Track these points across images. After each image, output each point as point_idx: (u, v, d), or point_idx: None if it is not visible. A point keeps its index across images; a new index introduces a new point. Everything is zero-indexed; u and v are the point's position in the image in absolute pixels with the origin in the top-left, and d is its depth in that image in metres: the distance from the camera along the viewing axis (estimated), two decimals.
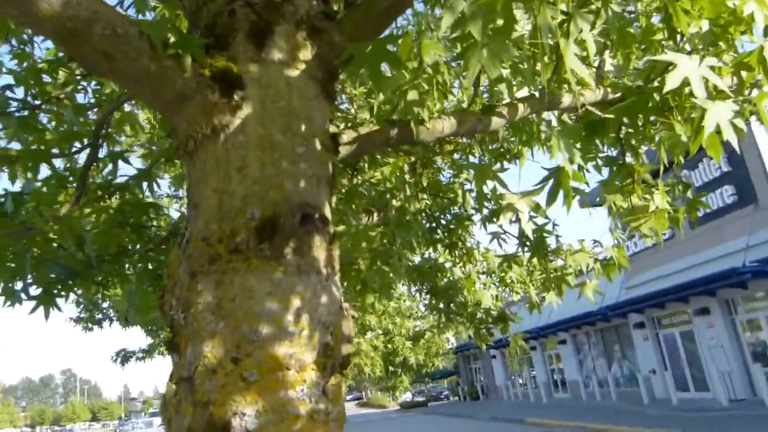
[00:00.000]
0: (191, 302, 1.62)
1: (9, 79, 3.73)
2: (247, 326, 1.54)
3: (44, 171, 3.47)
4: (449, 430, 23.48)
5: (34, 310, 3.88)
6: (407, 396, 51.36)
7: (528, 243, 4.89)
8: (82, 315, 11.00)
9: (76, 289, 4.02)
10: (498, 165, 4.56)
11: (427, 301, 5.82)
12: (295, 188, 1.69)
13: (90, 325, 11.03)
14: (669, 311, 20.74)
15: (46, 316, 3.80)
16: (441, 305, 5.31)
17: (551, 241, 4.89)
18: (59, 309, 3.86)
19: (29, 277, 3.77)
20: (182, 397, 1.54)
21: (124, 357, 12.68)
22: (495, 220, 5.04)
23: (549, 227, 4.89)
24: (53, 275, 3.89)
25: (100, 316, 10.99)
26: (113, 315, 10.88)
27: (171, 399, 1.58)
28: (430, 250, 5.88)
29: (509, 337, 5.66)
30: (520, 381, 34.57)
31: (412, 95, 2.01)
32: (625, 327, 23.49)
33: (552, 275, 5.07)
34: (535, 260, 6.11)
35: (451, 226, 5.81)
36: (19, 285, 3.78)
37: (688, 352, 20.14)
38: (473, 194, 4.89)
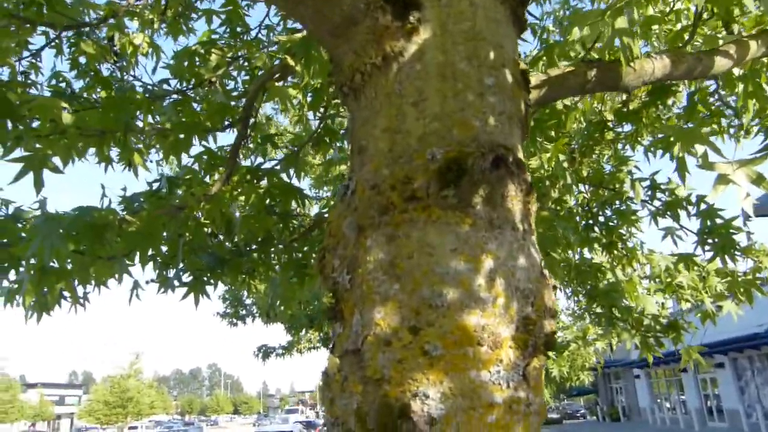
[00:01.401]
0: (358, 261, 1.34)
1: (166, 73, 3.80)
2: (427, 289, 1.23)
3: (195, 150, 3.46)
4: None
5: (185, 296, 3.94)
6: None
7: (710, 240, 4.19)
8: (228, 310, 11.52)
9: (224, 277, 4.01)
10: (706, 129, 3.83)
11: (583, 304, 5.24)
12: (484, 126, 1.36)
13: (234, 321, 11.52)
14: None
15: (196, 303, 3.82)
16: (601, 309, 4.72)
17: (740, 238, 4.15)
18: (208, 297, 3.89)
19: (181, 264, 3.82)
20: (348, 373, 1.26)
21: (265, 353, 13.10)
22: (670, 212, 4.39)
23: (739, 221, 4.17)
24: (204, 263, 3.91)
25: (243, 312, 11.45)
26: (256, 311, 11.28)
27: (335, 375, 1.31)
28: (585, 250, 5.30)
29: (679, 350, 4.91)
30: (668, 405, 31.62)
31: (621, 22, 1.59)
32: None
33: (740, 279, 4.31)
34: (711, 263, 5.32)
35: (611, 223, 5.19)
36: (172, 273, 3.84)
37: None
38: (644, 183, 4.29)
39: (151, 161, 4.47)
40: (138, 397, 45.86)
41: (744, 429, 23.60)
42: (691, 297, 5.44)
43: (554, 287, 1.33)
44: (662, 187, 4.34)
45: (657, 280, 5.55)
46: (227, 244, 4.13)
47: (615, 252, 5.41)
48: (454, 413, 1.13)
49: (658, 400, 32.89)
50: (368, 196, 1.37)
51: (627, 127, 4.76)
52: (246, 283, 4.41)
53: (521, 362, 1.21)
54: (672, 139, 2.13)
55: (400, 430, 1.14)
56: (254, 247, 4.23)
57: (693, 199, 4.18)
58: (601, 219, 5.18)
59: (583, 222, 5.16)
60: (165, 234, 4.09)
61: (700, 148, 2.17)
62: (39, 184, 2.73)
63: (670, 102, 4.28)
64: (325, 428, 1.32)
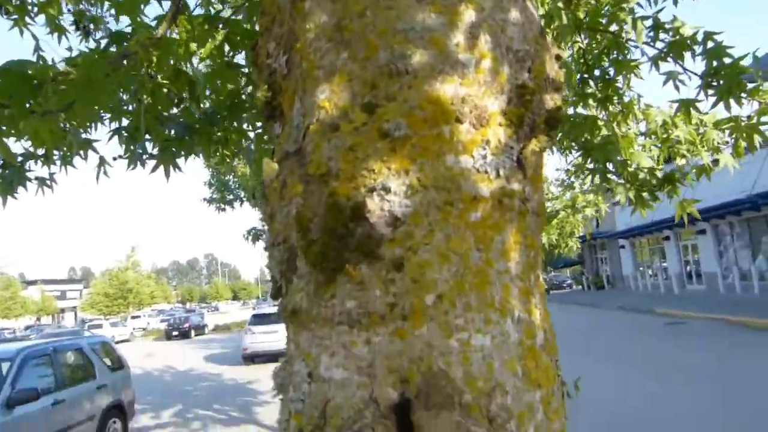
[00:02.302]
0: (296, 34, 0.98)
1: None
2: (386, 52, 0.88)
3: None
4: (575, 317, 22.83)
5: (154, 169, 3.63)
6: None
7: (715, 83, 3.82)
8: (214, 196, 11.25)
9: (195, 147, 3.66)
10: None
11: (577, 161, 4.95)
12: None
13: (222, 206, 11.28)
14: None
15: (167, 175, 3.52)
16: (595, 164, 4.43)
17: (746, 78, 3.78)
18: (180, 169, 3.59)
19: (147, 136, 3.48)
20: (287, 176, 0.94)
21: (255, 235, 12.99)
22: (673, 54, 3.97)
23: (748, 60, 3.78)
24: (171, 132, 3.57)
25: (231, 197, 11.19)
26: (243, 195, 11.02)
27: (271, 183, 0.99)
28: (580, 106, 4.92)
29: (674, 206, 4.69)
30: (650, 272, 32.74)
31: None
32: None
33: (743, 124, 3.99)
34: (707, 116, 4.99)
35: (607, 76, 4.77)
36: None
37: None
38: (647, 23, 3.84)
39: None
40: (138, 288, 46.95)
41: (720, 290, 24.53)
42: (688, 152, 5.16)
43: (557, 57, 0.98)
44: (666, 26, 3.90)
45: (653, 136, 5.23)
46: (197, 115, 3.74)
47: (610, 107, 5.04)
48: (424, 211, 0.83)
49: (641, 268, 33.98)
50: None
51: None
52: (221, 154, 4.06)
53: (515, 144, 0.89)
54: None
55: (354, 236, 0.84)
56: (224, 114, 3.84)
57: (699, 37, 3.77)
58: (597, 72, 4.77)
59: (578, 75, 4.74)
60: (122, 96, 3.72)
61: None
62: None
63: None
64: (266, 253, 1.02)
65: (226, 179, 10.90)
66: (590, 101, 4.81)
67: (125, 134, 3.58)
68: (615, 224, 33.13)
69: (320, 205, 0.87)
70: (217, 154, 4.13)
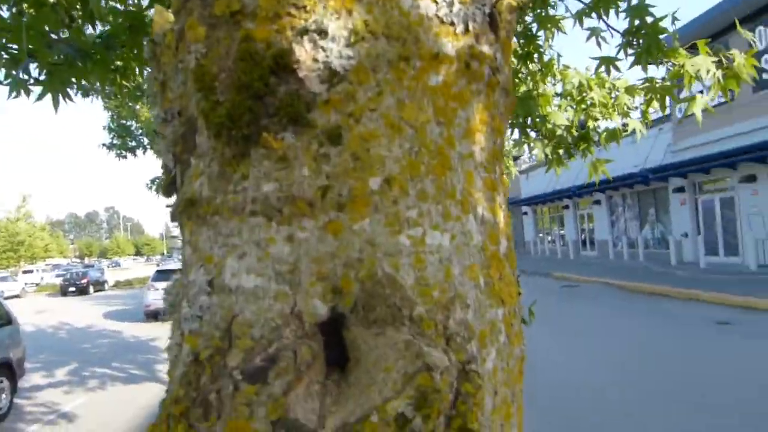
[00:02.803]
0: None
1: None
2: None
3: None
4: None
5: (41, 97, 3.18)
6: None
7: (635, 41, 3.83)
8: (115, 141, 10.34)
9: (89, 75, 3.24)
10: None
11: None
12: None
13: (123, 153, 10.41)
14: (713, 177, 19.54)
15: (55, 106, 3.10)
16: (515, 119, 4.37)
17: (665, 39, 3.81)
18: (71, 99, 3.18)
19: (32, 57, 3.04)
20: (185, 22, 0.69)
21: (159, 185, 12.16)
22: (597, 11, 3.93)
23: (668, 22, 3.80)
24: (60, 56, 3.14)
25: (133, 143, 10.35)
26: (147, 143, 10.24)
27: (164, 38, 0.74)
28: None
29: (587, 164, 4.75)
30: (549, 238, 34.45)
31: None
32: (664, 191, 22.48)
33: (657, 85, 4.05)
34: (620, 81, 5.08)
35: (529, 32, 4.72)
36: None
37: (725, 218, 19.21)
38: None
39: None
40: (30, 241, 43.50)
41: (610, 256, 26.23)
42: (600, 115, 5.24)
43: None
44: None
45: (569, 97, 5.26)
46: (96, 39, 3.29)
47: (530, 65, 5.01)
48: (371, 65, 0.61)
49: (541, 235, 35.69)
50: None
51: None
52: (119, 85, 3.62)
53: None
54: None
55: (275, 96, 0.61)
56: (124, 38, 3.40)
57: None
58: (519, 28, 4.69)
59: None
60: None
61: None
62: None
63: None
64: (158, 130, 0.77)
65: (128, 124, 10.04)
66: (512, 58, 4.73)
67: (5, 56, 3.10)
68: (520, 192, 34.43)
69: (230, 54, 0.63)
70: (114, 84, 3.70)
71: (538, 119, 4.45)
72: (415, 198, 0.62)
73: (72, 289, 31.43)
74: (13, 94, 3.19)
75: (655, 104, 4.13)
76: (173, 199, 0.77)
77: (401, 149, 0.62)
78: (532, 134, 4.62)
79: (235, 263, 0.63)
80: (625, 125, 4.96)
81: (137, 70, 3.56)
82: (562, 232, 32.38)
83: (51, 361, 11.05)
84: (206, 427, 0.60)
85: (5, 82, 3.18)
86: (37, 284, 39.51)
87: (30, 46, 2.89)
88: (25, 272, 40.70)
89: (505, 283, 0.71)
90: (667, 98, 4.14)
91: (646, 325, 10.41)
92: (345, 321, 0.62)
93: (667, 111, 4.28)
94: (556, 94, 5.31)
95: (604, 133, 4.91)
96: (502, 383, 0.68)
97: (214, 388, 0.60)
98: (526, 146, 4.74)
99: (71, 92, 3.21)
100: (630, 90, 4.87)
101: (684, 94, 4.23)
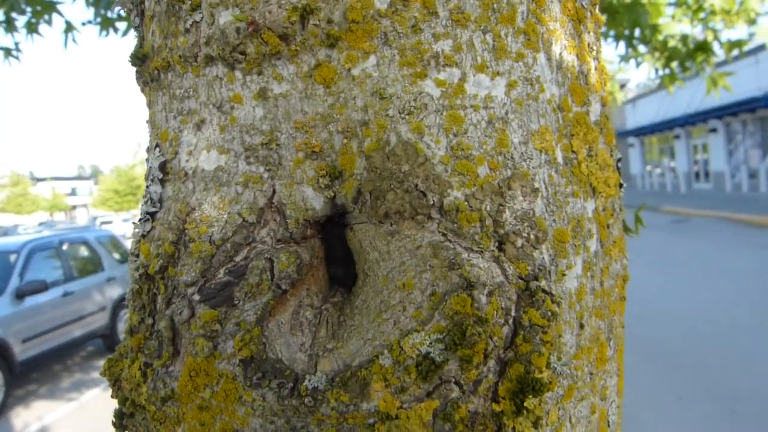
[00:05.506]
0: None
1: None
2: None
3: None
4: None
5: (126, 32, 3.19)
6: None
7: None
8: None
9: None
10: None
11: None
12: None
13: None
14: None
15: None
16: (621, 28, 3.83)
17: None
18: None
19: None
20: None
21: None
22: None
23: None
24: None
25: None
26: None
27: None
28: None
29: (706, 78, 4.12)
30: (658, 171, 32.07)
31: None
32: None
33: None
34: None
35: None
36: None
37: None
38: None
39: None
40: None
41: (726, 189, 23.99)
42: (722, 23, 4.52)
43: None
44: None
45: (684, 6, 4.56)
46: None
47: None
48: None
49: (648, 168, 33.24)
50: None
51: None
52: None
53: None
54: None
55: None
56: None
57: None
58: None
59: None
60: None
61: None
62: None
63: None
64: None
65: None
66: None
67: None
68: (625, 122, 32.07)
69: None
70: None
71: (647, 31, 3.87)
72: (448, 21, 0.39)
73: None
74: (104, 32, 3.23)
75: None
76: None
77: None
78: (641, 48, 4.05)
79: (192, 137, 0.43)
80: (751, 35, 4.26)
81: None
82: (672, 164, 29.98)
83: None
84: (161, 365, 0.42)
85: (95, 21, 3.21)
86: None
87: None
88: (103, 223, 33.80)
89: (598, 164, 0.46)
90: None
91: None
92: (346, 216, 0.41)
93: None
94: (669, 3, 4.64)
95: (726, 45, 4.24)
96: (592, 312, 0.44)
97: (169, 314, 0.42)
98: (633, 61, 4.16)
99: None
100: None
101: None
